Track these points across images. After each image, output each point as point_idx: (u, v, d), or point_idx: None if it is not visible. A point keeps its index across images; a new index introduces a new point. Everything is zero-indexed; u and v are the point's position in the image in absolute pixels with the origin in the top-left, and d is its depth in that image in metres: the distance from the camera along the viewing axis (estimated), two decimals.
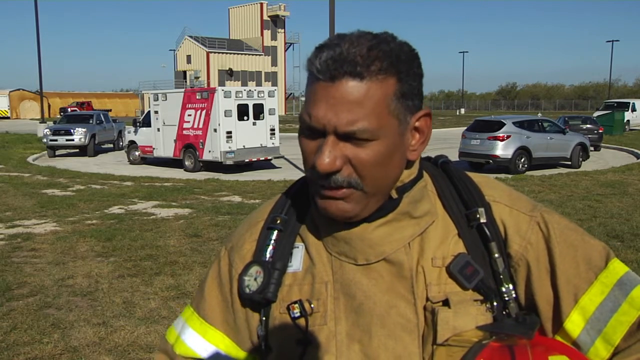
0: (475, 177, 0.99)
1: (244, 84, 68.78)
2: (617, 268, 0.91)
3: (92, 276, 6.38)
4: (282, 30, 77.26)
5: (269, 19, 74.90)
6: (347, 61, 0.80)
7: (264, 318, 0.97)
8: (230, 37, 77.23)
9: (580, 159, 16.73)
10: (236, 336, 1.01)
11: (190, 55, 72.86)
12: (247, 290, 0.96)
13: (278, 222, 0.99)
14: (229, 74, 71.35)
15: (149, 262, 6.86)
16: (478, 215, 0.92)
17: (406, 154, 0.89)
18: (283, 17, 76.25)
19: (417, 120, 0.89)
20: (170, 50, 78.40)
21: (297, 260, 0.96)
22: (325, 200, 0.86)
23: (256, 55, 74.64)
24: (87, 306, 5.47)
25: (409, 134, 0.88)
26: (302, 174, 1.04)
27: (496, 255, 0.91)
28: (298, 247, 0.97)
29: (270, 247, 0.97)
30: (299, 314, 0.92)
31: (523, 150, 15.44)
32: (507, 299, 0.90)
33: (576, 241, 0.92)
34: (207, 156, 16.25)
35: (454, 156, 16.50)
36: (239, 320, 1.00)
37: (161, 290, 5.86)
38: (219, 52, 71.40)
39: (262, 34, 74.85)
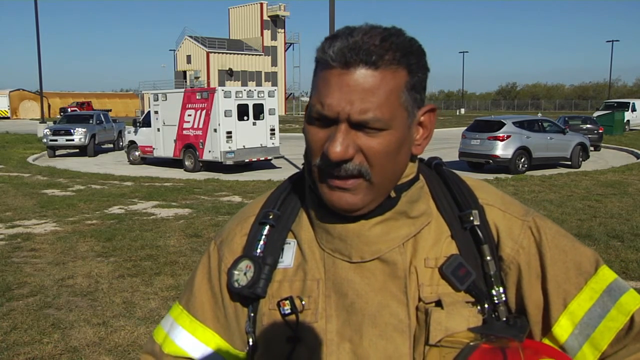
0: (468, 180, 0.99)
1: (244, 84, 68.77)
2: (607, 275, 0.92)
3: (92, 276, 6.39)
4: (282, 30, 77.24)
5: (269, 19, 74.88)
6: (362, 50, 0.81)
7: (252, 314, 0.96)
8: (230, 37, 77.21)
9: (580, 159, 16.73)
10: (227, 333, 0.99)
11: (190, 55, 72.83)
12: (236, 285, 0.94)
13: (270, 217, 0.98)
14: (229, 74, 71.32)
15: (149, 262, 6.86)
16: (472, 218, 0.92)
17: (411, 148, 0.90)
18: (283, 17, 76.22)
19: (423, 115, 0.90)
20: (170, 50, 78.52)
21: (289, 256, 0.95)
22: (334, 191, 0.86)
23: (256, 55, 74.62)
24: (87, 306, 5.47)
25: (414, 128, 0.89)
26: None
27: (488, 257, 0.91)
28: (290, 243, 0.96)
29: (261, 242, 0.96)
30: (289, 311, 0.91)
31: (523, 150, 15.44)
32: (496, 301, 0.90)
33: (567, 247, 0.93)
34: (207, 156, 16.24)
35: (454, 156, 16.49)
36: (229, 316, 0.98)
37: (161, 290, 5.87)
38: (219, 52, 71.38)
39: (262, 34, 74.82)
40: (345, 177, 0.84)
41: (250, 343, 0.96)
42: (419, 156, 1.00)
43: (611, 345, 0.89)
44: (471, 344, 0.85)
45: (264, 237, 0.97)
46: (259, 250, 0.96)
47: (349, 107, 0.81)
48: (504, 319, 0.90)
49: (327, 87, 0.83)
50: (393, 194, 0.90)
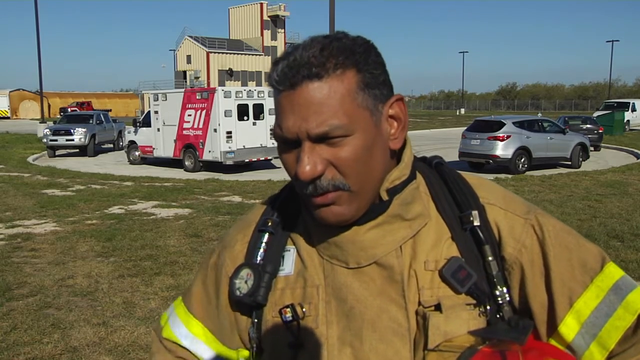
0: (470, 178, 0.97)
1: (244, 84, 68.73)
2: (613, 272, 0.90)
3: (92, 276, 6.39)
4: (282, 30, 77.23)
5: (269, 19, 74.88)
6: (302, 65, 0.81)
7: (255, 320, 0.97)
8: (230, 37, 77.21)
9: (580, 159, 16.73)
10: (217, 331, 1.03)
11: (190, 55, 72.84)
12: (238, 293, 0.96)
13: (269, 224, 0.98)
14: (229, 74, 71.32)
15: (149, 262, 6.87)
16: (472, 218, 0.91)
17: (388, 144, 0.88)
18: (283, 17, 76.24)
19: (390, 108, 0.88)
20: (170, 50, 78.51)
21: (289, 264, 0.96)
22: (320, 209, 0.86)
23: (256, 55, 74.62)
24: (87, 306, 5.47)
25: (386, 123, 0.87)
26: None
27: (490, 258, 0.89)
28: (289, 251, 0.97)
29: (261, 250, 0.97)
30: (291, 318, 0.92)
31: (523, 150, 15.44)
32: (501, 302, 0.89)
33: (571, 244, 0.91)
34: (207, 156, 16.25)
35: (454, 156, 16.51)
36: (224, 318, 1.01)
37: (161, 290, 5.87)
38: (219, 52, 71.38)
39: (262, 34, 74.82)
40: (323, 193, 0.84)
41: (255, 348, 0.98)
42: (419, 156, 0.99)
43: (619, 344, 0.87)
44: (471, 347, 0.84)
45: (263, 244, 0.97)
46: (259, 258, 0.96)
47: (305, 124, 0.81)
48: (508, 319, 0.89)
49: (281, 110, 0.84)
50: (385, 197, 0.89)
